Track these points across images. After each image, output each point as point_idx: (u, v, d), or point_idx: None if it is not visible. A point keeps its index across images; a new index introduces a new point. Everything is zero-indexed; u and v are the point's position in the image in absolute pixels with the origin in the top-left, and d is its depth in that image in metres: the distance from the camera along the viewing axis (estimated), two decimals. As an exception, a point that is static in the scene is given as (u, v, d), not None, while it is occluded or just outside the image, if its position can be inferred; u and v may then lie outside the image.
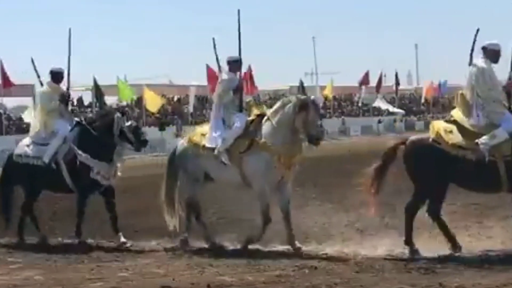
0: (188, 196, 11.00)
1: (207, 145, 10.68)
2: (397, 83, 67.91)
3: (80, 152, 11.29)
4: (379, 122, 63.89)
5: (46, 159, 11.46)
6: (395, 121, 64.94)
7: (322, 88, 62.81)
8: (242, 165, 10.38)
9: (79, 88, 45.08)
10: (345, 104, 67.92)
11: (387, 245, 9.91)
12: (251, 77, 52.19)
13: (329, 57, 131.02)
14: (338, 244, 10.25)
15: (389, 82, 69.11)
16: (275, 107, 10.50)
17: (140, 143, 11.49)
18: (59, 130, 11.60)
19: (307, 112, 10.03)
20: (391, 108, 67.47)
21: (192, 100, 49.96)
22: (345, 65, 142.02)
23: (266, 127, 10.38)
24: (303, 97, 10.42)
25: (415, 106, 71.72)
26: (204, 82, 42.82)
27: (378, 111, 67.23)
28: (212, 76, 49.94)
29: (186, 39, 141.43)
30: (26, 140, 11.95)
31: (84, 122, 11.79)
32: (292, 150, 10.24)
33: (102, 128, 11.43)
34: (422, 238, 10.09)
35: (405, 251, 9.61)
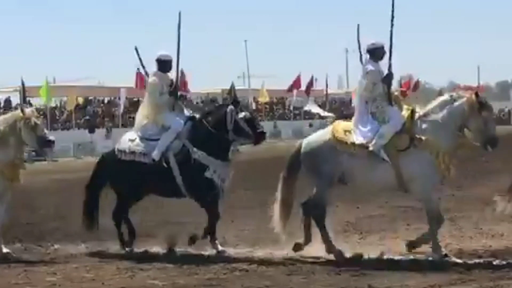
0: (318, 201, 9.82)
1: (358, 141, 9.59)
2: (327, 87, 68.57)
3: (195, 149, 10.17)
4: (310, 125, 64.38)
5: (155, 156, 10.19)
6: (325, 124, 65.48)
7: (254, 91, 62.99)
8: (400, 164, 9.41)
9: (6, 89, 44.31)
10: (277, 107, 68.27)
11: (317, 247, 9.97)
12: (184, 81, 52.14)
13: (261, 61, 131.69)
14: (269, 247, 10.27)
15: (320, 86, 69.76)
16: (435, 102, 9.63)
17: (258, 135, 10.23)
18: (171, 125, 10.37)
19: (488, 112, 9.36)
20: (322, 112, 67.93)
21: (122, 102, 49.45)
22: (277, 68, 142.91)
23: (426, 123, 9.50)
24: (478, 95, 9.50)
25: (345, 110, 72.57)
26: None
27: (309, 115, 67.81)
28: (141, 81, 49.75)
29: (115, 40, 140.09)
30: (130, 134, 10.71)
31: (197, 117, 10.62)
32: (455, 149, 9.43)
33: (215, 123, 10.26)
34: (351, 241, 10.20)
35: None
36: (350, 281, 8.45)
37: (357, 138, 9.59)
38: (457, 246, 9.85)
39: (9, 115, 10.66)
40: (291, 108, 66.57)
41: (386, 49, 9.79)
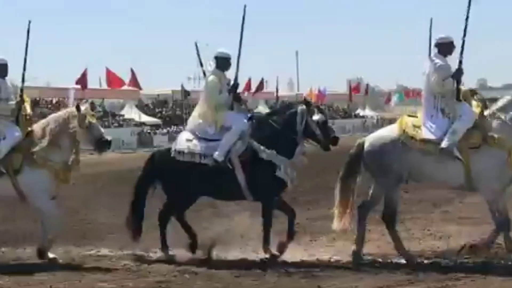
0: (388, 200, 9.61)
1: (428, 138, 9.30)
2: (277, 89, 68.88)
3: (262, 147, 9.69)
4: (261, 127, 64.41)
5: (218, 157, 9.70)
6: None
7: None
8: (470, 162, 9.11)
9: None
10: (227, 109, 68.16)
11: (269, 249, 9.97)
12: (135, 80, 51.94)
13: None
14: (219, 248, 10.24)
15: (270, 88, 69.99)
16: (502, 102, 9.43)
17: (329, 141, 9.76)
18: (232, 125, 9.87)
19: None
20: (273, 114, 68.16)
21: (71, 103, 48.94)
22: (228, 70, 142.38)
23: (497, 121, 9.26)
24: None
25: (295, 112, 72.83)
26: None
27: (260, 117, 67.85)
28: (113, 80, 49.34)
29: (64, 39, 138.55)
30: (187, 134, 10.20)
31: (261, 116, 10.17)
32: None
33: (283, 123, 9.84)
34: (303, 243, 10.24)
35: (284, 254, 9.70)
36: (300, 283, 8.48)
37: (427, 135, 9.30)
38: (405, 247, 9.94)
39: (60, 113, 10.16)
40: (242, 110, 66.50)
41: (456, 44, 9.62)
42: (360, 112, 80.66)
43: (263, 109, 67.28)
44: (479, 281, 8.24)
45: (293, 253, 9.70)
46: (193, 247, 10.02)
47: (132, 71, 51.95)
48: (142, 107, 59.32)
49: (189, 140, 10.03)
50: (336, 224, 9.79)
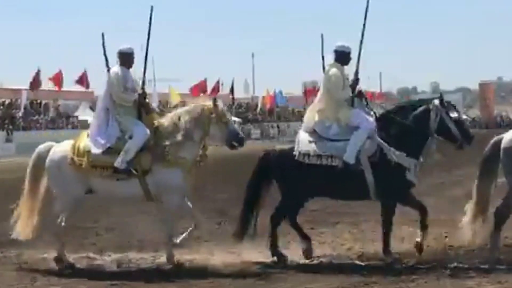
0: None
1: None
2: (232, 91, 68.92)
3: (392, 149, 9.24)
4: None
5: (350, 160, 9.27)
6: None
7: (161, 95, 62.60)
8: None
9: None
10: (182, 111, 67.99)
11: (222, 251, 9.97)
12: (86, 81, 51.44)
13: (168, 64, 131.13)
14: (175, 251, 10.19)
15: (226, 90, 69.93)
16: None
17: (467, 139, 9.32)
18: (359, 124, 9.39)
19: None
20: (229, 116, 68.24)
21: (23, 104, 48.36)
22: (183, 72, 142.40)
23: None
24: None
25: (251, 115, 73.01)
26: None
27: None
28: (57, 79, 48.83)
29: (15, 39, 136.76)
30: (306, 134, 9.67)
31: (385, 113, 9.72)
32: None
33: (414, 120, 9.40)
34: (259, 245, 10.23)
35: (240, 257, 9.69)
36: (255, 285, 8.49)
37: None
38: (360, 249, 10.02)
39: (192, 106, 9.62)
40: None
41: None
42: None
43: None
44: (432, 283, 8.32)
45: (248, 255, 9.70)
46: (308, 251, 9.70)
47: (84, 71, 51.58)
48: (97, 109, 58.74)
49: (312, 142, 9.58)
50: (465, 226, 9.42)
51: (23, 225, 9.68)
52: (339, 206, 13.78)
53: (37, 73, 48.44)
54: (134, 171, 9.28)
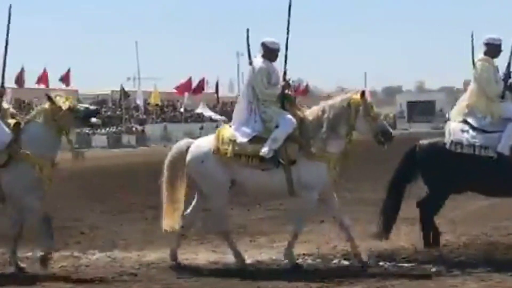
0: None
1: None
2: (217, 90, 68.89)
3: None
4: (201, 128, 64.41)
5: (504, 150, 9.12)
6: (217, 127, 65.72)
7: (145, 93, 62.51)
8: None
9: None
10: (167, 110, 67.91)
11: (208, 250, 9.96)
12: (68, 79, 51.20)
13: (152, 63, 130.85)
14: (159, 250, 10.18)
15: (211, 89, 69.87)
16: None
17: None
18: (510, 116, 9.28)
19: None
20: (214, 115, 68.33)
21: (8, 102, 48.13)
22: (168, 71, 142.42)
23: None
24: None
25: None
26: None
27: (201, 118, 67.82)
28: (44, 78, 48.62)
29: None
30: (459, 125, 9.53)
31: None
32: None
33: None
34: (243, 243, 10.23)
35: (226, 256, 9.69)
36: (239, 284, 8.49)
37: None
38: (344, 248, 10.03)
39: (338, 99, 9.21)
40: (182, 110, 66.42)
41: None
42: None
43: (203, 109, 67.33)
44: (416, 281, 8.34)
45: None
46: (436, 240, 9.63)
47: (68, 70, 51.43)
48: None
49: (464, 131, 9.45)
50: None
51: (169, 220, 9.49)
52: (319, 204, 13.82)
53: (22, 71, 48.27)
54: (281, 161, 8.98)
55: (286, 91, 9.28)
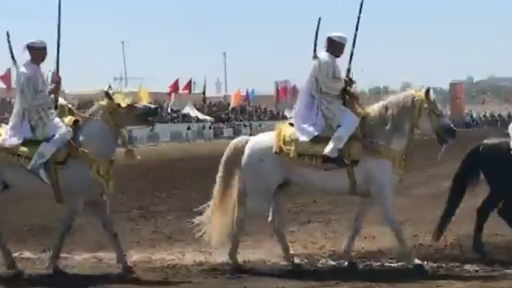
0: None
1: None
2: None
3: None
4: (188, 128, 64.38)
5: None
6: (204, 127, 65.77)
7: (131, 93, 62.33)
8: None
9: None
10: (154, 110, 67.79)
11: (194, 251, 9.96)
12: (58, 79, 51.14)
13: (139, 63, 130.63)
14: (146, 250, 10.17)
15: (198, 89, 69.88)
16: None
17: None
18: None
19: None
20: (201, 115, 68.33)
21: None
22: (155, 71, 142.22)
23: None
24: None
25: (223, 114, 72.99)
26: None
27: (188, 118, 67.80)
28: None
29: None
30: None
31: None
32: None
33: None
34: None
35: (211, 256, 9.69)
36: (226, 284, 8.49)
37: None
38: (331, 248, 10.05)
39: (401, 96, 9.05)
40: (169, 110, 66.36)
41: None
42: (287, 113, 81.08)
43: (190, 110, 67.31)
44: (402, 281, 8.37)
45: (220, 254, 9.69)
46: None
47: (56, 70, 51.20)
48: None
49: None
50: None
51: (215, 228, 9.33)
52: (310, 205, 13.84)
53: (8, 72, 48.11)
54: (345, 160, 8.80)
55: (348, 87, 9.11)
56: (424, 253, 9.59)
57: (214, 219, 9.36)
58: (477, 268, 8.73)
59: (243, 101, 71.87)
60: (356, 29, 9.26)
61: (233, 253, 9.21)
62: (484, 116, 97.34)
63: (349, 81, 9.14)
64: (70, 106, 9.52)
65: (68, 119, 9.20)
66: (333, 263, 9.33)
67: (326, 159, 8.80)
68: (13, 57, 9.23)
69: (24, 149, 8.91)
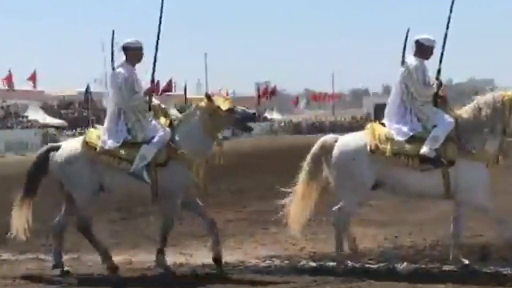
0: None
1: None
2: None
3: None
4: (169, 130, 64.29)
5: None
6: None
7: (112, 94, 62.13)
8: None
9: None
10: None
11: (175, 253, 9.93)
12: (34, 80, 50.84)
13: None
14: (126, 252, 10.13)
15: (179, 90, 69.78)
16: None
17: None
18: None
19: None
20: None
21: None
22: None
23: None
24: None
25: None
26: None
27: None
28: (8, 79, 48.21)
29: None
30: None
31: None
32: None
33: None
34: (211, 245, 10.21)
35: (192, 258, 9.67)
36: (205, 285, 8.47)
37: None
38: (311, 249, 10.07)
39: (491, 97, 8.89)
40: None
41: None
42: (268, 115, 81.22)
43: (171, 110, 67.26)
44: (383, 282, 8.39)
45: (200, 256, 9.68)
46: None
47: (34, 71, 51.05)
48: (47, 109, 58.18)
49: None
50: None
51: (295, 217, 9.31)
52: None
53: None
54: (443, 161, 8.65)
55: (439, 91, 9.02)
56: (404, 254, 9.64)
57: (293, 209, 9.31)
58: (456, 269, 8.78)
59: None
60: (447, 28, 9.14)
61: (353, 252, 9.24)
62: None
63: (440, 84, 9.04)
64: (163, 106, 9.50)
65: (164, 120, 9.20)
66: (313, 264, 9.34)
67: (423, 159, 8.69)
68: (112, 57, 9.17)
69: (124, 151, 8.89)
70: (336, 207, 9.01)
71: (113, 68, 9.14)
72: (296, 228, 9.38)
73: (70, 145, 9.23)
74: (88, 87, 57.89)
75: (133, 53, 9.12)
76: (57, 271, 9.10)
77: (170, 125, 9.14)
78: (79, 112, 59.48)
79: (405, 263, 9.06)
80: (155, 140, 8.87)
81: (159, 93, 63.26)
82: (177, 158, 8.90)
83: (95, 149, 8.92)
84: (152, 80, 9.29)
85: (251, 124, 9.43)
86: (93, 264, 9.49)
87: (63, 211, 9.37)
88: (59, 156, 9.14)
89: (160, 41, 9.23)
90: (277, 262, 9.46)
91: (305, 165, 9.28)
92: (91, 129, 9.36)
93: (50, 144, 9.72)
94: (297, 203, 9.29)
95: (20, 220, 9.36)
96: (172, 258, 9.67)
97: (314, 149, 9.28)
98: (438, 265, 9.04)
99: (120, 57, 9.15)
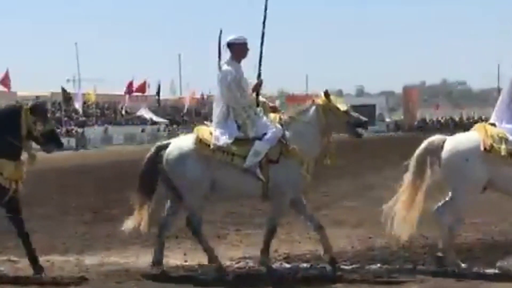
0: None
1: None
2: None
3: None
4: (142, 131, 64.08)
5: None
6: (158, 130, 65.54)
7: (85, 95, 61.90)
8: None
9: None
10: (108, 112, 67.33)
11: (149, 254, 9.89)
12: (6, 80, 50.52)
13: (92, 64, 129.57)
14: (99, 254, 10.07)
15: (153, 91, 69.60)
16: None
17: None
18: None
19: None
20: (155, 117, 68.05)
21: None
22: (109, 72, 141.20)
23: None
24: None
25: (177, 116, 72.77)
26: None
27: (142, 120, 67.46)
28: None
29: None
30: None
31: None
32: None
33: None
34: (184, 247, 10.19)
35: (166, 259, 9.64)
36: (180, 287, 8.45)
37: None
38: (286, 250, 10.07)
39: None
40: (123, 112, 65.97)
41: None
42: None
43: (145, 112, 66.97)
44: (355, 283, 8.43)
45: (174, 258, 9.66)
46: None
47: (7, 71, 50.69)
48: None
49: None
50: None
51: (402, 219, 9.09)
52: (264, 207, 13.85)
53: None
54: None
55: None
56: (378, 255, 9.69)
57: (400, 211, 9.14)
58: (431, 269, 8.83)
59: (199, 103, 71.79)
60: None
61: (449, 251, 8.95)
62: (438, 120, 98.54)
63: None
64: (271, 104, 9.39)
65: (273, 116, 9.09)
66: (288, 265, 9.35)
67: None
68: (219, 55, 9.02)
69: (236, 148, 8.77)
70: (439, 204, 8.99)
71: (219, 67, 9.02)
72: (407, 230, 9.19)
73: (181, 143, 9.05)
74: (63, 88, 57.77)
75: (238, 48, 9.00)
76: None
77: (280, 121, 9.02)
78: (51, 112, 59.13)
79: (378, 264, 9.10)
80: (267, 136, 8.77)
81: (134, 93, 63.27)
82: (289, 155, 8.81)
83: (209, 146, 8.81)
84: (259, 75, 9.16)
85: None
86: (65, 266, 9.44)
87: (166, 212, 9.25)
88: (170, 154, 8.94)
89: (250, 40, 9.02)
90: (251, 263, 9.46)
91: (410, 166, 9.20)
92: (202, 127, 9.16)
93: (157, 144, 9.41)
94: (403, 204, 9.17)
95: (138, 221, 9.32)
96: (146, 259, 9.65)
97: (420, 149, 9.19)
98: (411, 266, 9.08)
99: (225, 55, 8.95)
